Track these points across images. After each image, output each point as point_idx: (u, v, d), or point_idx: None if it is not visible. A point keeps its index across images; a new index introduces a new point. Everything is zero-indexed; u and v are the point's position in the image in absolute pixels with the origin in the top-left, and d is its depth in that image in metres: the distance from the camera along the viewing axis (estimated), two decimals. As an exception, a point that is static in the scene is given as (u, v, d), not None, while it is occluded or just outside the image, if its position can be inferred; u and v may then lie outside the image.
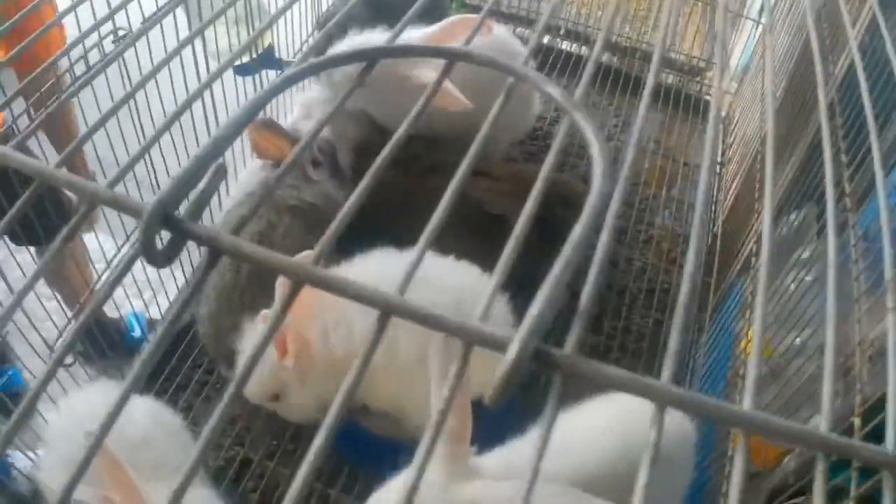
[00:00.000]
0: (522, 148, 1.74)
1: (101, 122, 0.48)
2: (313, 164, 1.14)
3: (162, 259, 0.32)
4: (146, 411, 1.02)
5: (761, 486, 1.27)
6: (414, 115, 0.41)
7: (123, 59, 0.96)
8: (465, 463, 0.76)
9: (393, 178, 1.30)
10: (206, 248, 0.33)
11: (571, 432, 0.85)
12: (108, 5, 0.73)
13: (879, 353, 1.01)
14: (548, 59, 2.04)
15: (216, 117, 1.22)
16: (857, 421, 0.81)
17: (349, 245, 1.07)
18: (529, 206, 0.37)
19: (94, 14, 0.81)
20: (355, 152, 1.37)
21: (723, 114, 2.08)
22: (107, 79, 0.89)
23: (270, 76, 1.46)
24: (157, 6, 0.89)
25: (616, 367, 0.29)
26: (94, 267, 1.60)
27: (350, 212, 0.35)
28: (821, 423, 0.33)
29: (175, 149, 1.16)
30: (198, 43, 1.23)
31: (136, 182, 1.16)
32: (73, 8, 0.67)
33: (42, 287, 1.75)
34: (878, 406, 0.86)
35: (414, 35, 1.22)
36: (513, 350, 0.27)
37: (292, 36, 1.47)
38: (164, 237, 0.33)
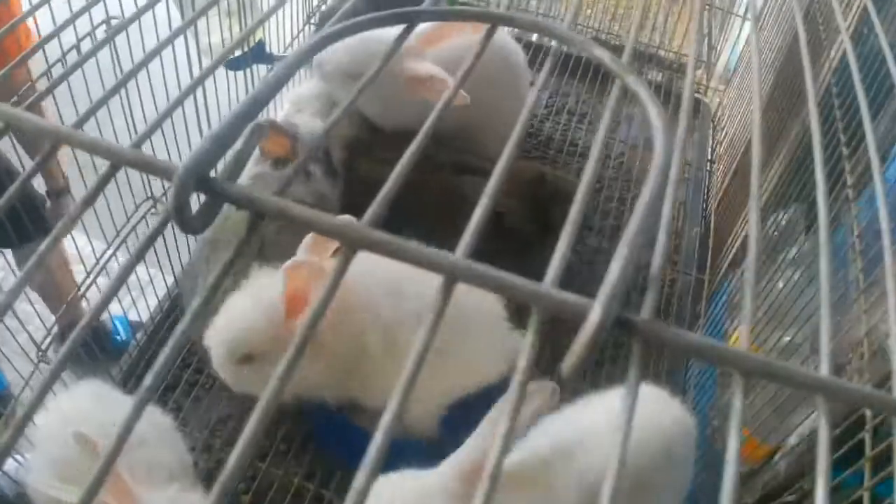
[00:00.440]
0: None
1: (90, 113, 0.46)
2: (312, 160, 1.12)
3: (195, 224, 0.30)
4: (138, 412, 1.01)
5: (753, 484, 1.27)
6: (460, 81, 0.39)
7: (116, 54, 0.94)
8: None
9: (387, 174, 1.29)
10: (249, 212, 0.30)
11: (579, 430, 0.84)
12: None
13: (873, 353, 1.01)
14: (536, 57, 2.03)
15: (207, 112, 1.20)
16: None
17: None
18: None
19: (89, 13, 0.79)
20: (347, 150, 1.35)
21: (712, 111, 2.08)
22: (100, 73, 0.87)
23: (262, 71, 1.44)
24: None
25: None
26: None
27: (399, 179, 0.33)
28: (822, 367, 0.32)
29: (166, 143, 1.14)
30: (190, 39, 1.22)
31: (128, 179, 1.14)
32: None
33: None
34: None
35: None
36: (595, 315, 0.26)
37: (283, 31, 1.46)
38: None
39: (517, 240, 1.27)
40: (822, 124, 1.17)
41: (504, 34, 1.52)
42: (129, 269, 0.32)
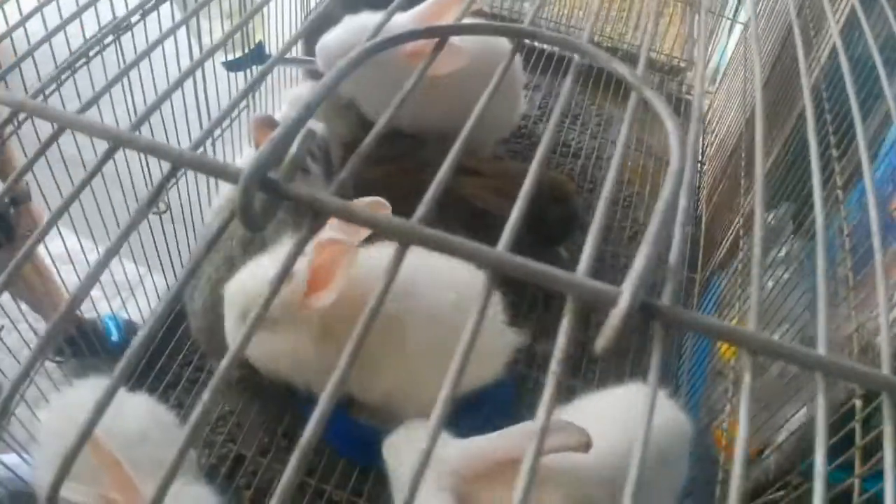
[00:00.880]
0: (508, 146, 1.75)
1: (91, 104, 0.47)
2: (311, 157, 1.14)
3: (259, 222, 0.32)
4: (141, 408, 1.02)
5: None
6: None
7: (123, 58, 0.96)
8: None
9: (383, 174, 1.30)
10: (310, 212, 0.32)
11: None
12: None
13: (864, 350, 1.03)
14: (529, 59, 2.05)
15: (208, 111, 1.21)
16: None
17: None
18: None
19: (97, 15, 0.80)
20: (344, 148, 1.37)
21: (702, 111, 2.11)
22: (106, 75, 0.89)
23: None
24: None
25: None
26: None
27: (442, 181, 0.35)
28: (819, 346, 0.34)
29: (168, 142, 1.15)
30: (193, 39, 1.23)
31: (132, 182, 1.15)
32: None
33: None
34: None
35: (403, 17, 1.22)
36: (624, 301, 0.28)
37: (282, 32, 1.47)
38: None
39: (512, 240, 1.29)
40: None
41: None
42: (107, 260, 0.34)
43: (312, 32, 1.36)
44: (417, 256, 1.00)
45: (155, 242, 1.30)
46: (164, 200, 1.30)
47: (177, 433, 1.05)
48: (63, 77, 0.85)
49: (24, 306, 1.86)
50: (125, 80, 1.02)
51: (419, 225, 0.32)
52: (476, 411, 0.97)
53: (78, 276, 1.27)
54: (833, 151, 0.99)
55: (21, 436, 1.12)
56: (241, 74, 1.39)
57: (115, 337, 2.17)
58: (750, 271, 1.42)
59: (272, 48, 1.43)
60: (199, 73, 1.18)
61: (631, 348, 1.38)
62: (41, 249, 1.35)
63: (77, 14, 0.66)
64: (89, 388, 1.06)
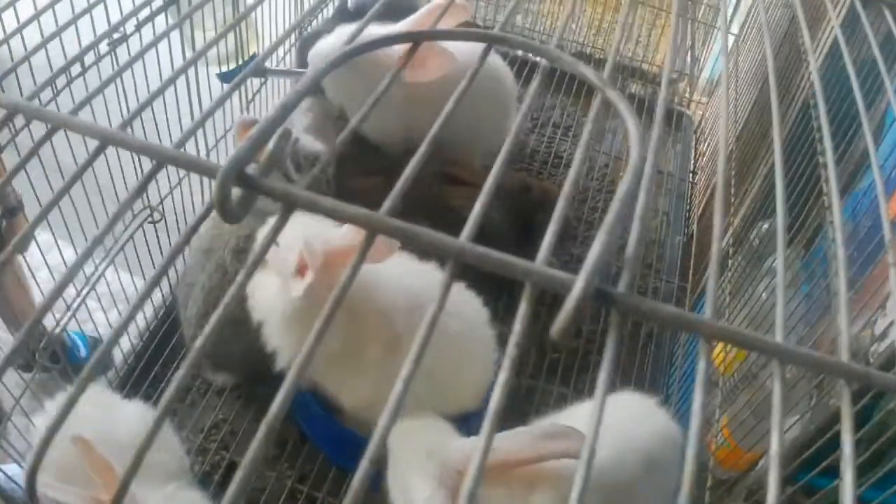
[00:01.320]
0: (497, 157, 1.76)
1: (84, 104, 0.49)
2: (296, 168, 1.15)
3: (236, 214, 0.33)
4: (135, 414, 1.03)
5: (737, 490, 1.30)
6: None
7: (119, 63, 0.97)
8: None
9: (372, 186, 1.32)
10: (281, 203, 0.34)
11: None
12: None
13: (855, 353, 1.04)
14: (522, 71, 2.07)
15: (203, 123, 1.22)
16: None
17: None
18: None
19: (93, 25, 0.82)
20: (335, 161, 1.38)
21: (694, 123, 2.13)
22: (101, 79, 0.90)
23: (255, 83, 1.47)
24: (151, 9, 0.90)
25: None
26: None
27: (410, 177, 0.37)
28: (841, 353, 0.35)
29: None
30: (188, 49, 1.25)
31: (126, 187, 1.16)
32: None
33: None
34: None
35: (397, 28, 1.24)
36: (578, 287, 0.29)
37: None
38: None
39: (499, 246, 1.30)
40: (803, 138, 1.21)
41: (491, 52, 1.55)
42: (82, 260, 0.35)
43: (306, 47, 1.37)
44: (429, 278, 1.01)
45: (150, 253, 1.31)
46: (158, 210, 1.31)
47: (170, 438, 1.06)
48: (59, 84, 0.86)
49: None
50: (120, 89, 1.04)
51: (385, 216, 0.34)
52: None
53: (76, 288, 1.28)
54: (820, 159, 1.00)
55: (20, 446, 1.13)
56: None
57: (81, 352, 2.16)
58: (742, 281, 1.44)
59: (266, 60, 1.44)
60: (194, 85, 1.20)
61: (620, 358, 1.39)
62: (25, 260, 1.36)
63: (72, 21, 0.68)
64: (86, 397, 1.06)
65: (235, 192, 0.33)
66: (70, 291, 1.32)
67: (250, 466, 0.28)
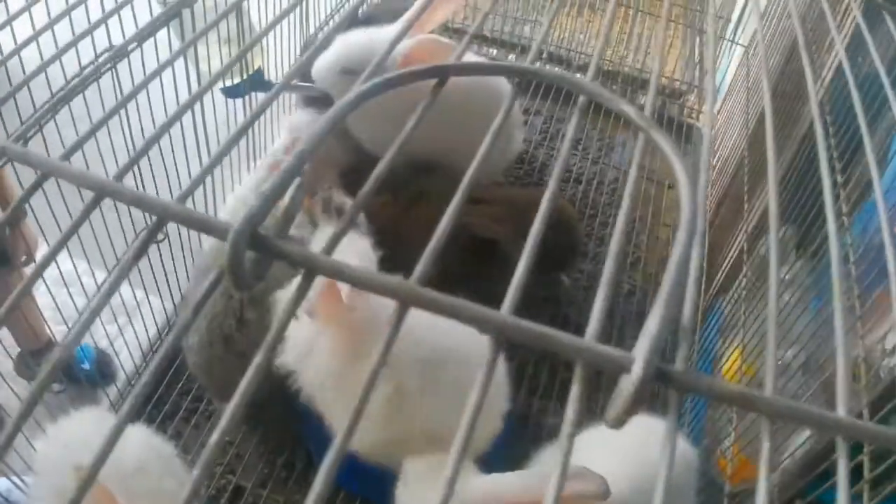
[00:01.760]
0: (507, 171, 1.74)
1: (76, 147, 0.46)
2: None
3: (249, 281, 0.30)
4: (139, 439, 1.00)
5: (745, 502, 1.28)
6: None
7: (120, 85, 0.95)
8: None
9: (380, 206, 1.29)
10: (303, 269, 0.31)
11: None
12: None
13: (868, 367, 1.02)
14: (531, 83, 2.05)
15: (206, 139, 1.21)
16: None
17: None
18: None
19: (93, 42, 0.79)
20: (341, 178, 1.36)
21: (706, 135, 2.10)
22: (101, 101, 0.88)
23: (260, 98, 1.44)
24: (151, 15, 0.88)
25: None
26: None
27: (443, 234, 0.34)
28: (839, 409, 0.33)
29: (166, 170, 1.15)
30: (190, 66, 1.23)
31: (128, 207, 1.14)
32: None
33: None
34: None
35: (391, 29, 1.23)
36: (637, 369, 0.27)
37: (281, 59, 1.47)
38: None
39: (511, 266, 1.27)
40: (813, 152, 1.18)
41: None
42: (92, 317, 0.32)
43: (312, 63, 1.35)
44: (444, 327, 0.98)
45: (151, 266, 1.29)
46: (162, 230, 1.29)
47: (175, 463, 1.03)
48: (47, 118, 0.84)
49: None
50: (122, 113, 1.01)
51: (418, 286, 0.31)
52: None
53: (73, 302, 1.26)
54: (838, 177, 0.98)
55: (17, 464, 1.11)
56: (239, 101, 1.38)
57: (86, 365, 2.15)
58: (753, 294, 1.41)
59: (271, 74, 1.43)
60: (198, 105, 1.18)
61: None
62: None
63: (72, 44, 0.66)
64: (87, 420, 1.04)
65: (248, 254, 0.30)
66: (69, 301, 1.30)
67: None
